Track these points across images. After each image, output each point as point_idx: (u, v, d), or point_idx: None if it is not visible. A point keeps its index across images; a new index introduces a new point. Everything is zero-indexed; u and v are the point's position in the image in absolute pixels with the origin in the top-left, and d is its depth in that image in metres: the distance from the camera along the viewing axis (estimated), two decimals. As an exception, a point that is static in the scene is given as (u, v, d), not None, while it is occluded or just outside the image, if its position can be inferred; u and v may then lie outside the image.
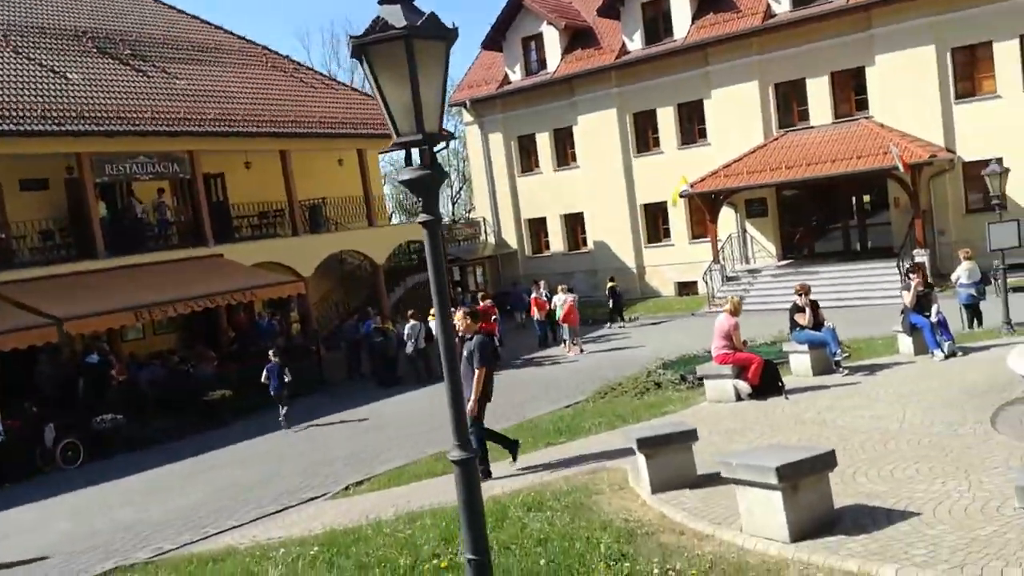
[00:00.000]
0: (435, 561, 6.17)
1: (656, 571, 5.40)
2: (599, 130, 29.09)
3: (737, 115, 26.23)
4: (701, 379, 11.49)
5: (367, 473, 10.98)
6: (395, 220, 42.51)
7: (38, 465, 15.17)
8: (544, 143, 30.87)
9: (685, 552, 5.68)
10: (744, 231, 26.96)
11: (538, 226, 31.98)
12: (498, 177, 32.04)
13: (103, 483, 13.56)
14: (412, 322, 19.60)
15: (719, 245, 25.76)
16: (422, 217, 4.33)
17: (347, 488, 10.09)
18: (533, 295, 22.83)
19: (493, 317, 20.38)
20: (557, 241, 31.38)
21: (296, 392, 19.74)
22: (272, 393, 16.04)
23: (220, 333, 22.30)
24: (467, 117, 32.86)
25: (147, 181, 21.41)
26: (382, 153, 29.91)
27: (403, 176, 4.27)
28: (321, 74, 30.87)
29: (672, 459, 7.18)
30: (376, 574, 6.23)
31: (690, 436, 7.33)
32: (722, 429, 9.22)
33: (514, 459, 9.10)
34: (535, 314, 22.61)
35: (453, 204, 53.41)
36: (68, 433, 15.59)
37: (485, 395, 8.68)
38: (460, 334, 8.60)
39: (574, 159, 30.48)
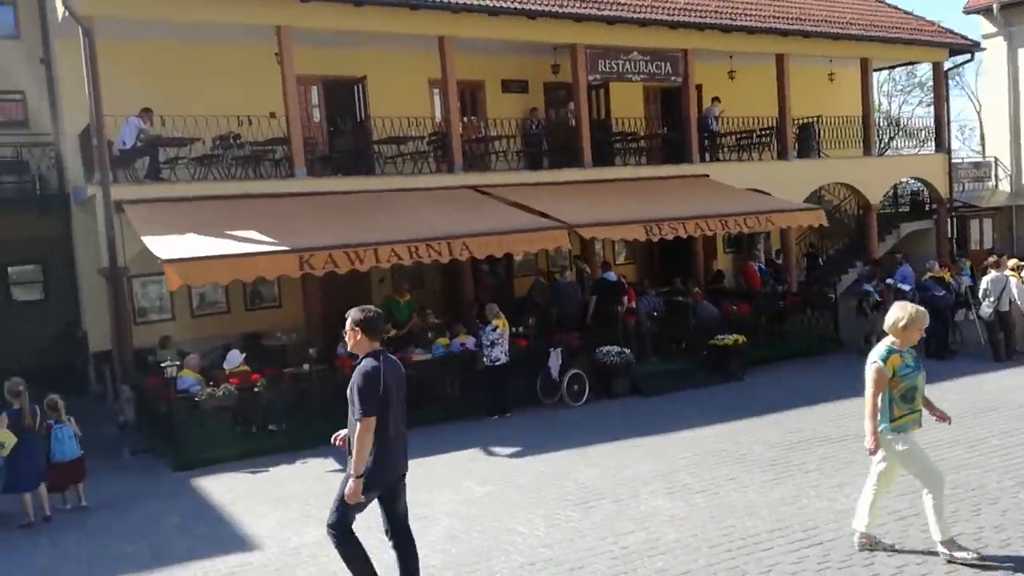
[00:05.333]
0: None
1: None
2: None
3: None
4: None
5: None
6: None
7: (539, 396, 12.64)
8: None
9: None
10: None
11: (1081, 170, 23.91)
12: (1027, 104, 24.43)
13: (637, 436, 10.36)
14: (993, 273, 14.00)
15: None
16: None
17: None
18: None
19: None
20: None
21: (803, 351, 15.55)
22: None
23: (697, 265, 18.70)
24: (986, 27, 25.40)
25: (637, 82, 18.26)
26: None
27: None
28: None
29: None
30: None
31: None
32: None
33: None
34: None
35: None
36: (572, 363, 12.83)
37: (377, 470, 5.03)
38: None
39: None
